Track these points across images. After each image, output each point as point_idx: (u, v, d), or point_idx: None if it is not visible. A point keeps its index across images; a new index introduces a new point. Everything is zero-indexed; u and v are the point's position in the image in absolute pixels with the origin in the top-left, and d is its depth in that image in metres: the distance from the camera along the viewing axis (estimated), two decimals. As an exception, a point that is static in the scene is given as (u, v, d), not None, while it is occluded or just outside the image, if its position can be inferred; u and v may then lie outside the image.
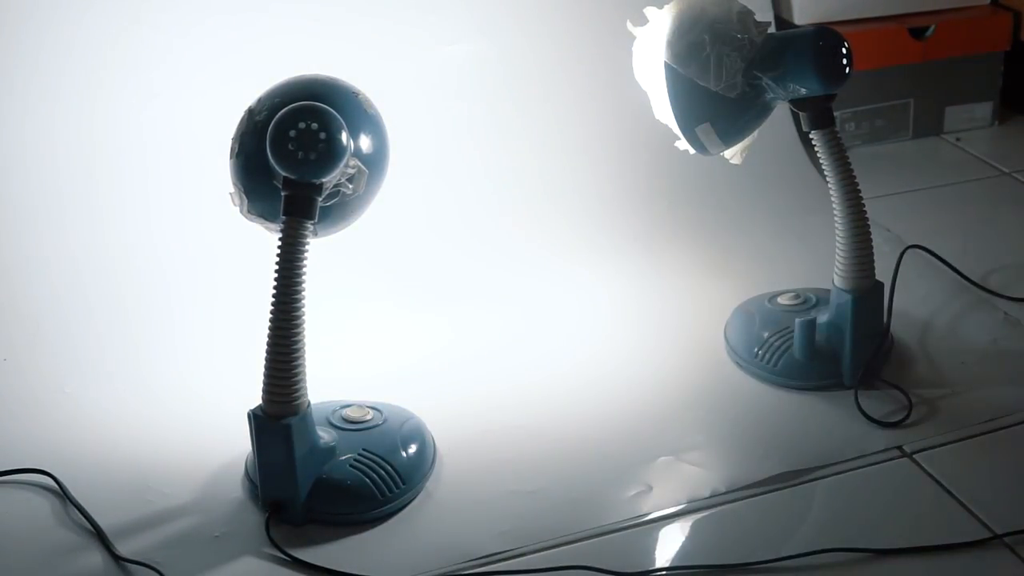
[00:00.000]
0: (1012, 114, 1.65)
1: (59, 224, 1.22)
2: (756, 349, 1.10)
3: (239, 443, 0.95)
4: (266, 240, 0.91)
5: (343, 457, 0.94)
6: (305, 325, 0.89)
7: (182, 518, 0.94)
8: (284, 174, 0.86)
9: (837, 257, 1.07)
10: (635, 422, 1.04)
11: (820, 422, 1.03)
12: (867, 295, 1.07)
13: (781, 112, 1.10)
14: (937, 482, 0.95)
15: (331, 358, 1.02)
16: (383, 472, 0.93)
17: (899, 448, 0.99)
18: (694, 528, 0.93)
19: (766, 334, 1.11)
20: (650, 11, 1.06)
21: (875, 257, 1.07)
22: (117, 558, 0.89)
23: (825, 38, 1.00)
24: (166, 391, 1.10)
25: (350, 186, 0.89)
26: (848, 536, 0.88)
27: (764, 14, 1.33)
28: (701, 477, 0.96)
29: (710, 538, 0.92)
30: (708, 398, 1.07)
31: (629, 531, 0.92)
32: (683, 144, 1.07)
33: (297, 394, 0.89)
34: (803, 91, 1.01)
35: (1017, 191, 1.47)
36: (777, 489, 0.95)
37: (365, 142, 0.90)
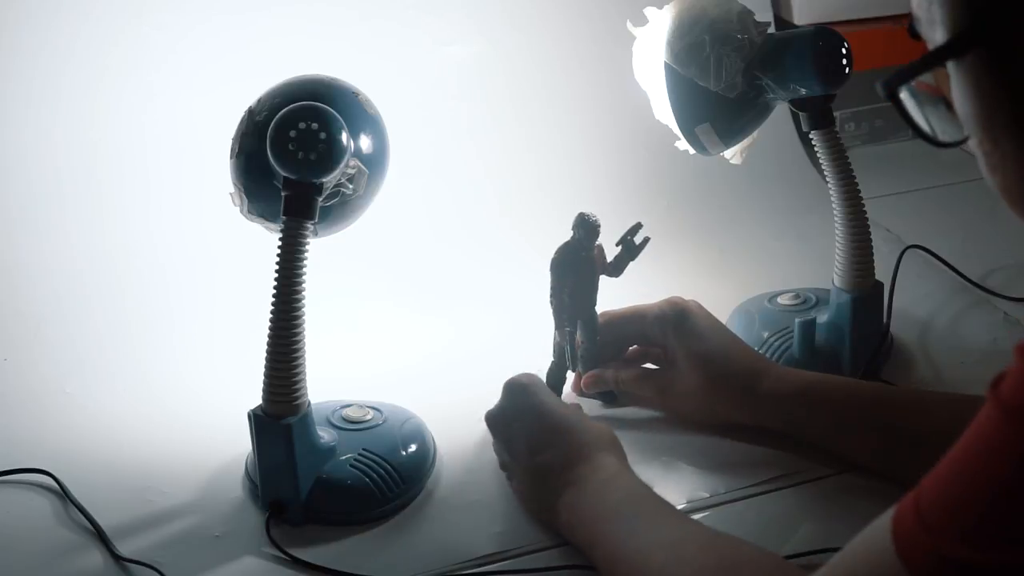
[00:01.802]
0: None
1: (59, 224, 1.22)
2: (756, 349, 1.10)
3: (239, 443, 0.95)
4: (266, 240, 0.91)
5: (343, 457, 0.94)
6: (305, 325, 0.89)
7: (182, 518, 0.94)
8: (284, 174, 0.86)
9: (837, 257, 1.07)
10: (635, 422, 1.04)
11: (820, 422, 1.03)
12: (867, 295, 1.07)
13: (781, 112, 1.10)
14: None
15: (331, 358, 1.01)
16: (383, 472, 0.93)
17: (899, 448, 0.99)
18: (694, 528, 0.92)
19: (766, 334, 1.11)
20: (650, 11, 1.07)
21: (875, 257, 1.07)
22: (117, 558, 0.89)
23: (825, 38, 1.00)
24: (166, 391, 1.10)
25: (350, 186, 0.89)
26: (848, 536, 0.88)
27: (764, 14, 1.33)
28: (701, 477, 0.96)
29: (710, 538, 0.92)
30: (708, 398, 1.07)
31: (629, 531, 0.92)
32: (683, 144, 1.07)
33: (297, 394, 0.89)
34: (803, 91, 1.01)
35: (1017, 191, 1.47)
36: (777, 489, 0.95)
37: (365, 142, 0.90)
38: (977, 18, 0.53)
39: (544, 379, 1.00)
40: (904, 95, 0.58)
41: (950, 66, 0.56)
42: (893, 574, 0.55)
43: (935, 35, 0.56)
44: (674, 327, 1.01)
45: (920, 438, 0.89)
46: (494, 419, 0.95)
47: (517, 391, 0.94)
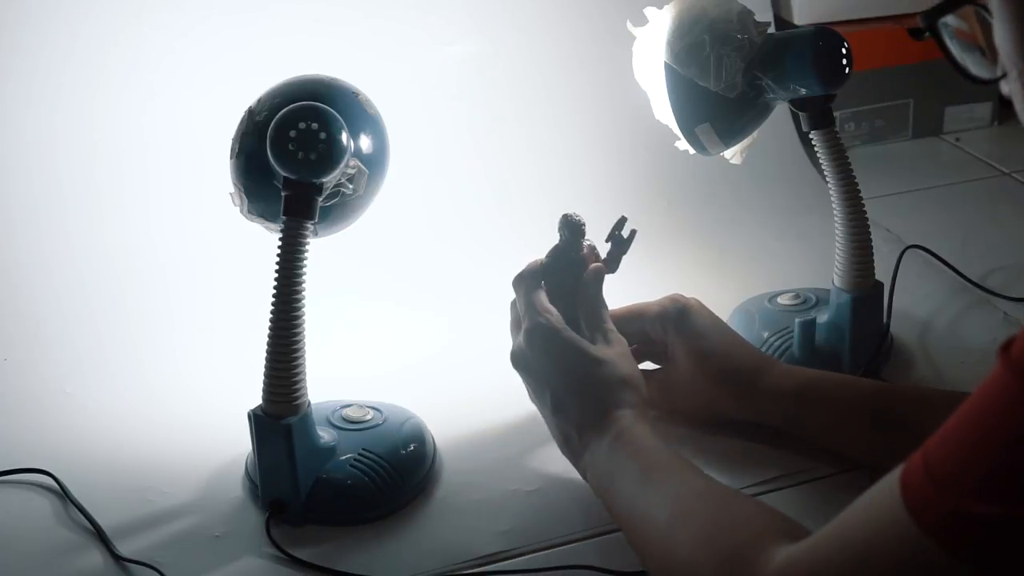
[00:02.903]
0: (1012, 114, 1.63)
1: (59, 224, 1.22)
2: (756, 349, 1.10)
3: (239, 443, 0.95)
4: (266, 240, 0.91)
5: (343, 457, 0.94)
6: (305, 325, 0.89)
7: (182, 518, 0.94)
8: (284, 174, 0.86)
9: (837, 257, 1.07)
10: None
11: (820, 422, 1.03)
12: (867, 295, 1.07)
13: (781, 112, 1.10)
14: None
15: (331, 358, 1.02)
16: (383, 472, 0.93)
17: (899, 448, 0.99)
18: (694, 528, 0.92)
19: (766, 334, 1.10)
20: (650, 11, 1.06)
21: (875, 257, 1.07)
22: (117, 558, 0.89)
23: (825, 38, 1.00)
24: (166, 391, 1.10)
25: (350, 186, 0.89)
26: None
27: (764, 14, 1.33)
28: (701, 477, 0.96)
29: (710, 538, 0.92)
30: (708, 398, 1.07)
31: (629, 531, 0.92)
32: (683, 144, 1.07)
33: (297, 394, 0.89)
34: (803, 91, 1.01)
35: (1017, 191, 1.47)
36: (777, 489, 0.95)
37: (365, 142, 0.90)
38: None
39: None
40: (943, 30, 0.59)
41: (993, 1, 0.56)
42: (903, 529, 0.56)
43: None
44: (675, 324, 1.01)
45: (922, 435, 0.90)
46: (521, 363, 0.93)
47: (545, 337, 0.91)
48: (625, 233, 0.99)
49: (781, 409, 0.97)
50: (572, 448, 0.90)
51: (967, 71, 0.60)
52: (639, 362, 1.06)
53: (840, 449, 0.96)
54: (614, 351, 0.92)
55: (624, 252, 1.00)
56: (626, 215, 1.00)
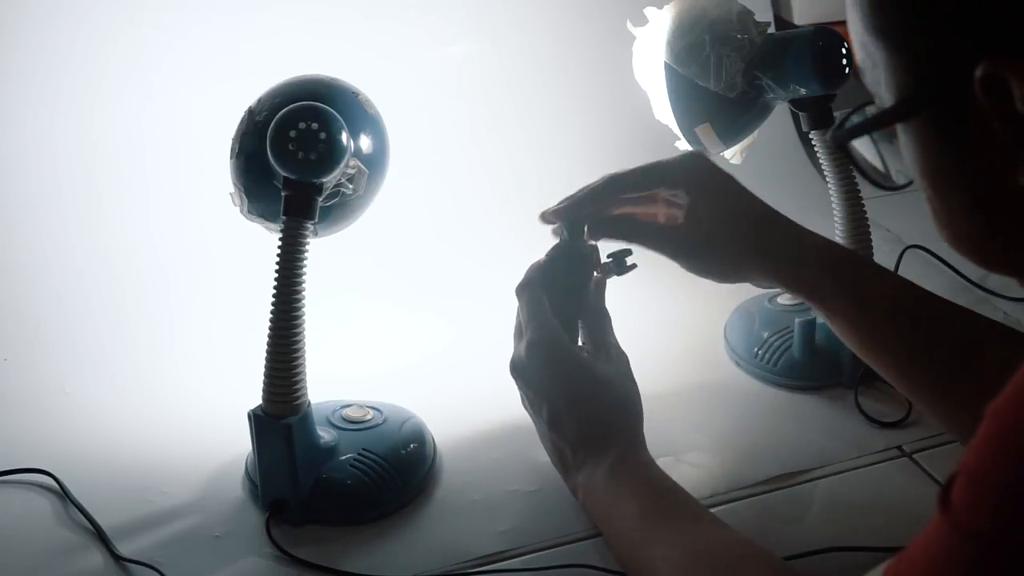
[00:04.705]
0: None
1: (59, 224, 1.22)
2: (756, 349, 1.10)
3: (239, 443, 0.95)
4: (266, 240, 0.91)
5: (343, 457, 0.94)
6: (305, 325, 0.89)
7: (182, 518, 0.94)
8: (284, 174, 0.86)
9: (837, 257, 1.07)
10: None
11: (820, 422, 1.03)
12: (867, 295, 1.07)
13: (781, 112, 1.10)
14: (937, 481, 0.95)
15: (331, 358, 1.02)
16: (383, 472, 0.93)
17: (899, 448, 0.99)
18: (694, 528, 0.92)
19: (766, 334, 1.11)
20: (650, 11, 1.07)
21: (875, 257, 1.07)
22: (117, 558, 0.89)
23: (824, 38, 1.00)
24: (166, 391, 1.10)
25: (350, 186, 0.89)
26: (848, 536, 0.88)
27: (764, 14, 1.33)
28: (701, 477, 0.96)
29: (710, 538, 0.92)
30: (708, 398, 1.07)
31: (629, 531, 0.91)
32: (683, 144, 1.07)
33: (297, 394, 0.89)
34: (803, 91, 1.01)
35: (1017, 191, 1.47)
36: (777, 489, 0.95)
37: (365, 142, 0.90)
38: (921, 85, 0.54)
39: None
40: (856, 142, 0.59)
41: (898, 126, 0.57)
42: None
43: (881, 92, 0.57)
44: (708, 167, 0.93)
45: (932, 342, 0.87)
46: (520, 374, 0.92)
47: (548, 350, 0.90)
48: (628, 262, 0.99)
49: (824, 259, 0.90)
50: (565, 464, 0.90)
51: (887, 184, 0.60)
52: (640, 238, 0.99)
53: (855, 329, 0.90)
54: (615, 370, 0.92)
55: (618, 274, 0.99)
56: (631, 249, 0.99)
